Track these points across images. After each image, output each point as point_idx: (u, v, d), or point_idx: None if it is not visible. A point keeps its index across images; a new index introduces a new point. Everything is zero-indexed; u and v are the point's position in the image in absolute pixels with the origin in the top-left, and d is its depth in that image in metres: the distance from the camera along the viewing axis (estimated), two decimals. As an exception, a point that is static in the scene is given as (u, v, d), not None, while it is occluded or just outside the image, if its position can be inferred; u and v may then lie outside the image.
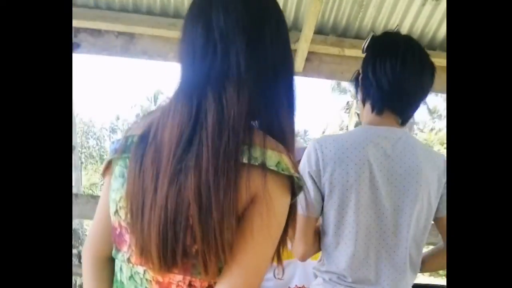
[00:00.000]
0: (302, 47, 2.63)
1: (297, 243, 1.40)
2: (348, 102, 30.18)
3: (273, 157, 0.81)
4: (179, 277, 0.84)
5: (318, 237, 1.43)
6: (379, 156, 1.34)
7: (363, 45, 1.46)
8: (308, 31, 2.53)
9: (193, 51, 0.86)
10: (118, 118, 30.37)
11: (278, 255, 0.94)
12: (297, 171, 0.84)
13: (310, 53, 2.74)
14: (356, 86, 1.49)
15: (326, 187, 1.33)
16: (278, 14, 0.92)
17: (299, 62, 2.74)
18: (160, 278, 0.86)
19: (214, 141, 0.78)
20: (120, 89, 59.39)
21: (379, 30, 2.70)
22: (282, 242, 0.91)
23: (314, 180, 1.34)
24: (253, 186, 0.80)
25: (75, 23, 2.57)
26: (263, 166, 0.80)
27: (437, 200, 1.41)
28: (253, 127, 0.85)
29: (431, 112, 39.86)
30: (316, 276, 1.47)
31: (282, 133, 0.87)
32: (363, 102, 1.45)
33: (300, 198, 1.28)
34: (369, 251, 1.35)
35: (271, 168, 0.80)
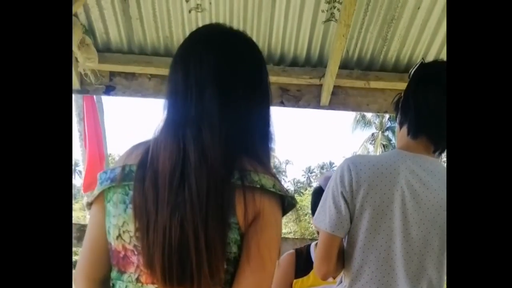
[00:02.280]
0: (328, 81, 2.73)
1: (320, 261, 1.41)
2: (373, 134, 30.11)
3: (269, 180, 0.94)
4: None
5: (341, 257, 1.43)
6: (414, 183, 1.36)
7: (410, 71, 1.51)
8: (333, 67, 2.63)
9: (175, 92, 0.99)
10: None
11: None
12: (288, 192, 0.98)
13: (336, 87, 2.82)
14: (396, 110, 1.53)
15: (357, 208, 1.35)
16: (253, 57, 1.05)
17: (325, 97, 2.84)
18: None
19: (197, 179, 0.90)
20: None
21: (404, 62, 2.81)
22: None
23: (346, 200, 1.36)
24: (257, 205, 0.92)
25: (110, 67, 2.75)
26: (262, 188, 0.92)
27: None
28: (243, 157, 0.96)
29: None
30: None
31: (261, 161, 0.99)
32: (400, 126, 1.49)
33: (327, 215, 1.39)
34: (393, 278, 1.36)
35: (270, 189, 0.94)
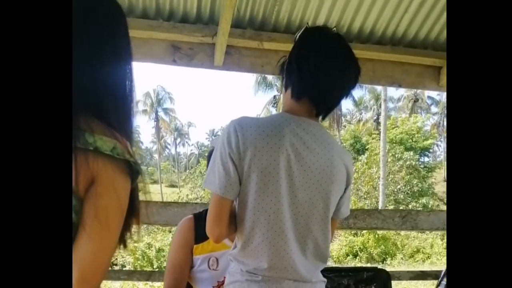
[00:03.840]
0: (220, 40, 2.70)
1: (211, 224, 1.44)
2: (275, 96, 30.65)
3: (108, 142, 0.90)
4: None
5: (234, 220, 1.46)
6: (298, 147, 1.41)
7: (295, 35, 1.55)
8: (225, 25, 2.60)
9: None
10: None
11: (124, 241, 1.04)
12: (133, 157, 0.94)
13: (229, 46, 2.81)
14: (281, 72, 1.57)
15: (245, 170, 1.38)
16: (101, 10, 1.01)
17: (218, 56, 2.81)
18: None
19: None
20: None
21: (295, 23, 2.86)
22: (127, 227, 1.01)
23: (234, 162, 1.38)
24: (91, 169, 0.88)
25: None
26: (96, 150, 0.88)
27: (337, 200, 1.53)
28: (92, 118, 0.92)
29: (357, 103, 41.30)
30: (232, 262, 1.51)
31: (109, 122, 0.95)
32: (285, 88, 1.53)
33: (216, 177, 1.38)
34: (283, 239, 1.41)
35: (107, 152, 0.90)
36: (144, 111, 50.96)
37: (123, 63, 1.03)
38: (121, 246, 1.04)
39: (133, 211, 1.01)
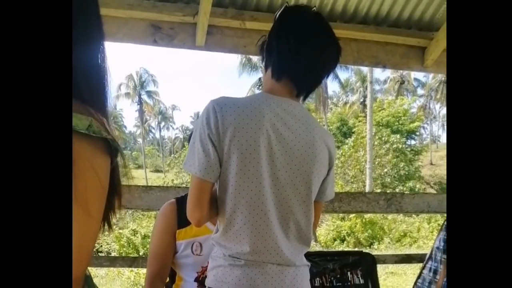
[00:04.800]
0: (202, 20, 2.68)
1: (192, 207, 1.42)
2: (260, 79, 30.57)
3: (83, 120, 0.87)
4: None
5: (215, 203, 1.45)
6: (279, 127, 1.40)
7: (275, 14, 1.53)
8: (206, 4, 2.57)
9: None
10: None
11: (108, 222, 1.02)
12: (110, 134, 0.91)
13: (210, 26, 2.79)
14: (261, 52, 1.55)
15: (225, 152, 1.36)
16: None
17: (200, 36, 2.79)
18: None
19: None
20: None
21: (278, 2, 2.83)
22: (110, 207, 0.99)
23: (213, 143, 1.36)
24: None
25: None
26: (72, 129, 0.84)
27: (320, 181, 1.52)
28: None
29: (343, 86, 41.40)
30: (214, 247, 1.50)
31: (84, 100, 0.92)
32: (266, 68, 1.52)
33: (196, 159, 1.36)
34: (265, 222, 1.41)
35: (82, 131, 0.86)
36: (127, 94, 50.67)
37: (94, 38, 1.00)
38: (106, 227, 1.01)
39: (115, 191, 0.99)
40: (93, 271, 9.21)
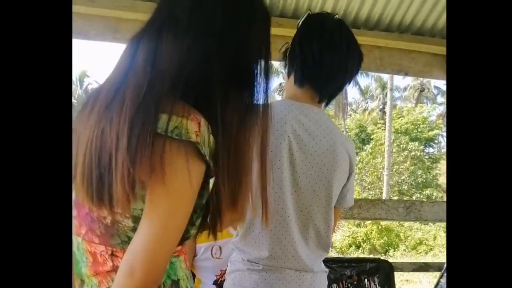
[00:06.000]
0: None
1: None
2: (281, 84, 30.54)
3: (174, 122, 0.84)
4: (101, 247, 0.91)
5: None
6: (300, 133, 1.41)
7: (298, 21, 1.55)
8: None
9: None
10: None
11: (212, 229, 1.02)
12: (199, 137, 0.85)
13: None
14: (284, 59, 1.57)
15: None
16: None
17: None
18: (88, 247, 0.93)
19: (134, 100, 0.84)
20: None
21: (303, 9, 2.82)
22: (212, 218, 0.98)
23: None
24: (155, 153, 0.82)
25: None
26: (162, 134, 0.83)
27: (340, 188, 1.51)
28: (178, 99, 0.88)
29: (363, 92, 41.14)
30: (234, 251, 1.51)
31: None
32: (288, 75, 1.53)
33: None
34: (284, 228, 1.41)
35: (175, 136, 0.83)
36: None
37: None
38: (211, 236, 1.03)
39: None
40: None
